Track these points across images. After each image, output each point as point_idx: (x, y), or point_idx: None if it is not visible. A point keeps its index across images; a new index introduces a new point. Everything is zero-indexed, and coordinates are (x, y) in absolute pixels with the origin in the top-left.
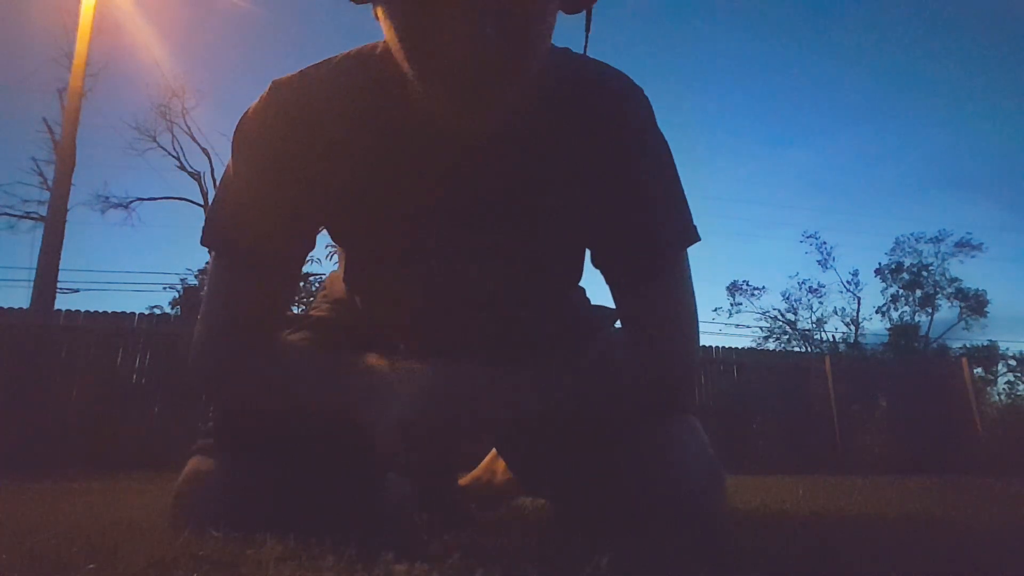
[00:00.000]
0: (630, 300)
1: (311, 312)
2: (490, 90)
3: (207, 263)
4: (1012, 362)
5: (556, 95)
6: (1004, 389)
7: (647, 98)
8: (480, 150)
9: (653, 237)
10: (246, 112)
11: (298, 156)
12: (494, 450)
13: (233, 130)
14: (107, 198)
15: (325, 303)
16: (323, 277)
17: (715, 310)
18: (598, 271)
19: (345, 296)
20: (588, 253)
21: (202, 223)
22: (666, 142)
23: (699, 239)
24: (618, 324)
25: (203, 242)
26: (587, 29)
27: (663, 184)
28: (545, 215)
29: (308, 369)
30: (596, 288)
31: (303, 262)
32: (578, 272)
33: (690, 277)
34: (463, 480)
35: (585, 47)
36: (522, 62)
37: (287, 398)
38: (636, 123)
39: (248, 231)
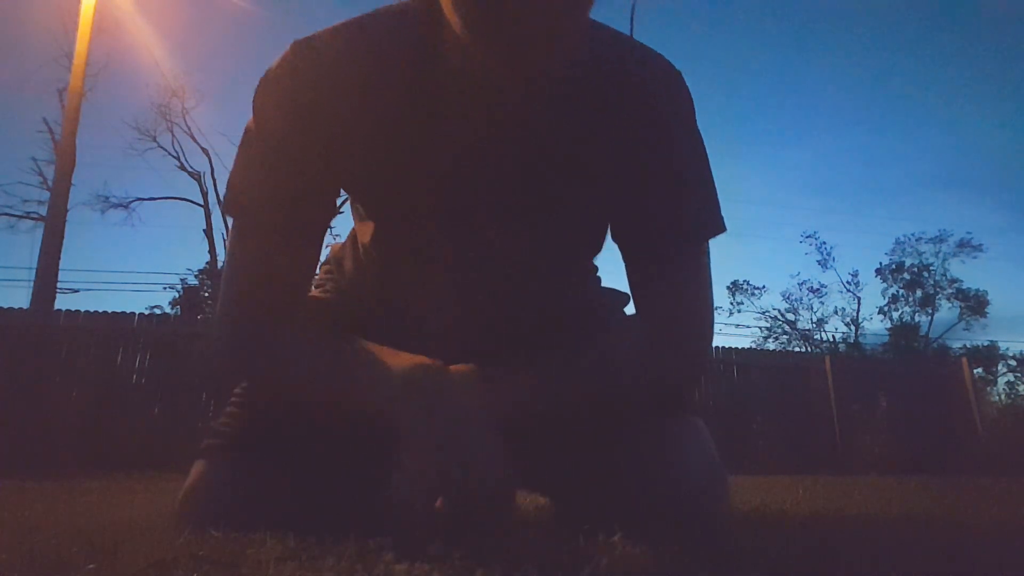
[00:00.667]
0: (646, 284)
1: (313, 291)
2: (541, 44)
3: (207, 263)
4: (1012, 362)
5: (598, 69)
6: (1004, 389)
7: (686, 84)
8: (516, 115)
9: (677, 222)
10: (267, 72)
11: (322, 117)
12: None
13: (254, 92)
14: (107, 198)
15: (330, 281)
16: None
17: (715, 309)
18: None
19: (355, 274)
20: (609, 227)
21: (202, 221)
22: (699, 130)
23: (724, 230)
24: (629, 308)
25: (224, 210)
26: (633, 7)
27: (693, 170)
28: (573, 187)
29: (321, 360)
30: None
31: (326, 228)
32: (597, 246)
33: (709, 268)
34: None
35: (632, 25)
36: (574, 18)
37: (298, 388)
38: (674, 106)
39: (269, 196)
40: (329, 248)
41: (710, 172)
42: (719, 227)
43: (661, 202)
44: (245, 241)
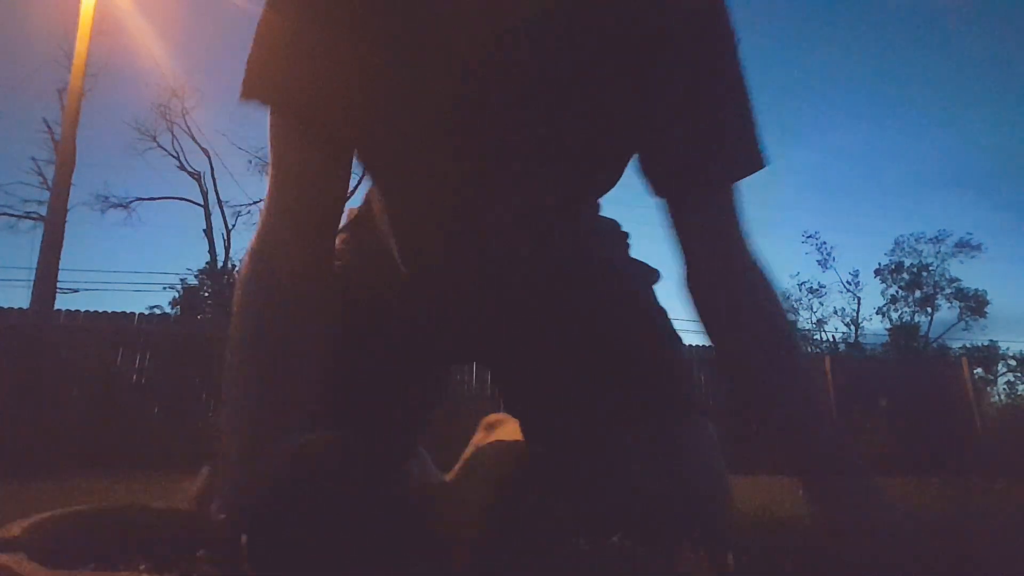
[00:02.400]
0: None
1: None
2: None
3: (207, 263)
4: (1012, 362)
5: None
6: (1004, 389)
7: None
8: (525, 19)
9: (713, 152)
10: None
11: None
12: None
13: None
14: (107, 198)
15: (348, 252)
16: None
17: None
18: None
19: (373, 241)
20: (639, 160)
21: (202, 221)
22: (738, 49)
23: (762, 165)
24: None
25: (244, 95)
26: None
27: (733, 87)
28: (594, 104)
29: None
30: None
31: (351, 150)
32: (616, 175)
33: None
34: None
35: None
36: None
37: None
38: (714, 13)
39: (302, 80)
40: (347, 212)
41: (749, 96)
42: (757, 163)
43: (695, 125)
44: (282, 144)
